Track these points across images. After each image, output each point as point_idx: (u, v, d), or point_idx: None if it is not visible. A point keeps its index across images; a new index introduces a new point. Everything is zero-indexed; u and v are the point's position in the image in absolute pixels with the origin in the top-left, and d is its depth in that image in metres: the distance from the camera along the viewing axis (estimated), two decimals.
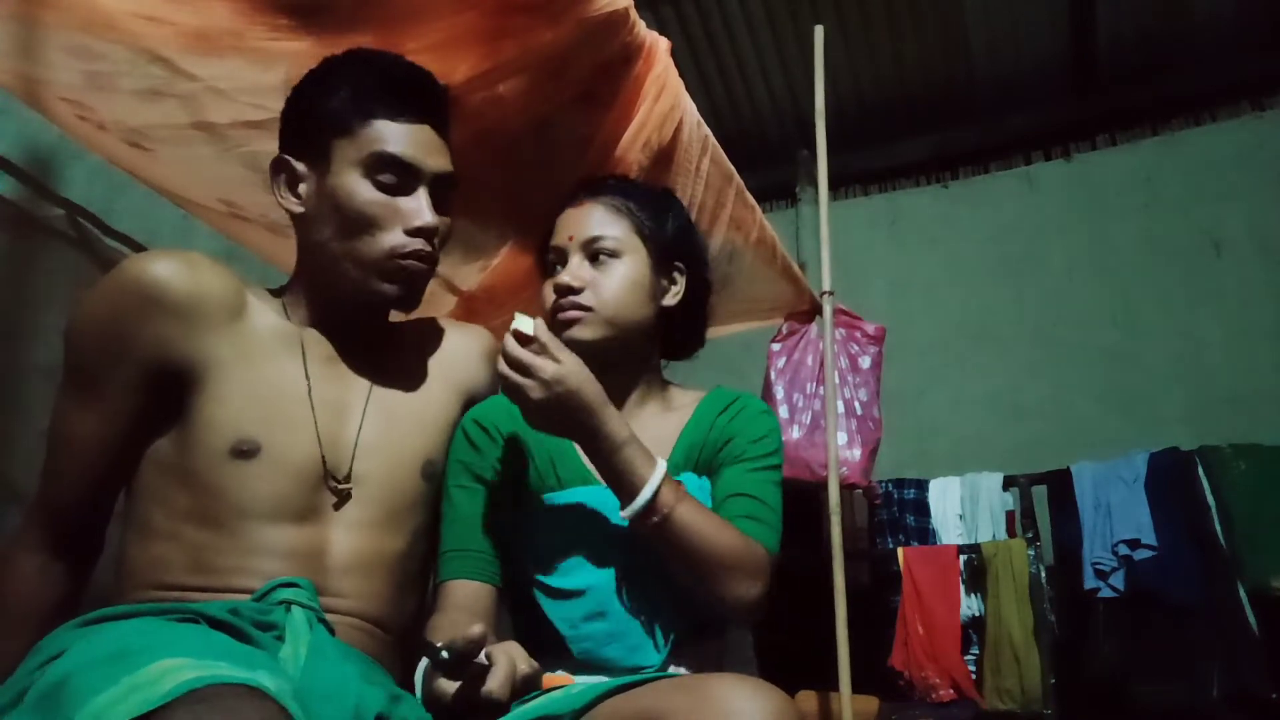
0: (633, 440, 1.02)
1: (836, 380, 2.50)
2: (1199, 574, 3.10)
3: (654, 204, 1.22)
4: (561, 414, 1.01)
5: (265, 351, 1.04)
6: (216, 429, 0.98)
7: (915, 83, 4.68)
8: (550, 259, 1.20)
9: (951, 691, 3.26)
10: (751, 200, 1.97)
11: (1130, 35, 4.33)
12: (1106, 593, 3.23)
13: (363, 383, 1.10)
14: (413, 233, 1.05)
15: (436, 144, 1.10)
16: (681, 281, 1.22)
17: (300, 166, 1.07)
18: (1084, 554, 3.30)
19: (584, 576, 1.08)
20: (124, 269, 1.00)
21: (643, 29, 1.36)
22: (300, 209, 1.07)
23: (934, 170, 4.96)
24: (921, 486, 3.69)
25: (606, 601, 1.06)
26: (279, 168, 1.08)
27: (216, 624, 0.87)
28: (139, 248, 2.02)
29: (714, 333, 1.36)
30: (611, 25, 1.30)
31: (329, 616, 0.96)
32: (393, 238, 1.05)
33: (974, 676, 3.29)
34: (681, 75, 1.50)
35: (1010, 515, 3.54)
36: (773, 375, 2.73)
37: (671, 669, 1.06)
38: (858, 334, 2.77)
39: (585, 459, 1.09)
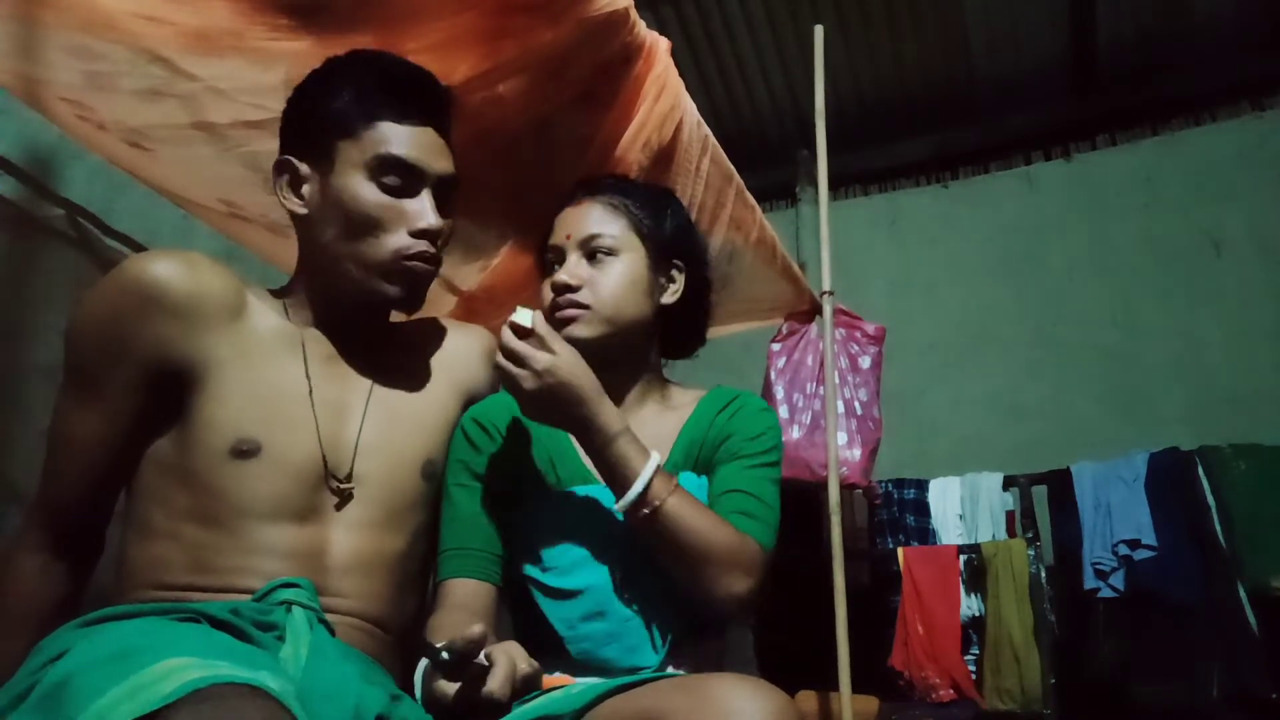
0: (626, 433, 1.02)
1: (836, 380, 2.50)
2: (1199, 574, 3.10)
3: (652, 202, 1.22)
4: (554, 404, 1.01)
5: (266, 351, 1.04)
6: (217, 429, 0.98)
7: (915, 83, 4.68)
8: (549, 258, 1.20)
9: (951, 691, 3.26)
10: (751, 200, 1.97)
11: (1130, 35, 4.33)
12: (1106, 593, 3.23)
13: (363, 383, 1.10)
14: (417, 234, 1.06)
15: (440, 146, 1.10)
16: (680, 279, 1.22)
17: (304, 167, 1.07)
18: (1084, 554, 3.30)
19: (583, 576, 1.07)
20: (124, 269, 1.00)
21: (643, 29, 1.36)
22: (303, 210, 1.07)
23: (934, 170, 4.96)
24: (921, 486, 3.69)
25: (605, 601, 1.06)
26: (282, 168, 1.08)
27: (218, 624, 0.87)
28: (139, 248, 2.02)
29: (714, 333, 1.36)
30: (611, 25, 1.30)
31: (329, 616, 0.96)
32: (397, 239, 1.05)
33: (974, 676, 3.29)
34: (681, 75, 1.50)
35: (1010, 515, 3.54)
36: (773, 375, 2.73)
37: (670, 669, 1.05)
38: (858, 334, 2.76)
39: (585, 458, 1.09)
